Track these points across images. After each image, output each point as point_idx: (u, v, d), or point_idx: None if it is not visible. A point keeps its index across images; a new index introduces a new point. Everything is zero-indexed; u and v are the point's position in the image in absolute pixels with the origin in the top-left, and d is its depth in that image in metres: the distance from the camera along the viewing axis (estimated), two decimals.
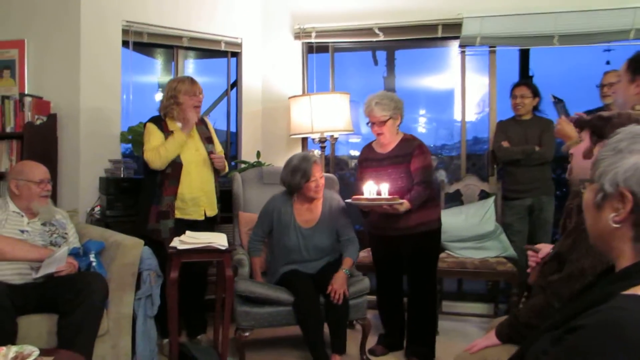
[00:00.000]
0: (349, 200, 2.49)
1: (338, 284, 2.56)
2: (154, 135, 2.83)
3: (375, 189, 2.44)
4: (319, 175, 2.73)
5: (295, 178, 2.72)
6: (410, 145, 2.59)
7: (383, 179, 2.58)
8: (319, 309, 2.51)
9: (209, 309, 3.04)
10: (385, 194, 2.43)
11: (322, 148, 3.69)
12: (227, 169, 3.03)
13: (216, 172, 2.92)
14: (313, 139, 3.69)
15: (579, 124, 1.56)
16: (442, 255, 3.17)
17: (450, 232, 3.27)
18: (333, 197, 2.83)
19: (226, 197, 3.16)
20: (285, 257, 2.75)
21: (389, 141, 2.65)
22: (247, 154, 3.87)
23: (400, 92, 4.19)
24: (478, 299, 3.85)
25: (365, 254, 3.35)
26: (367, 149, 2.72)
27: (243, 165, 3.63)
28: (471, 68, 3.87)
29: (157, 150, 2.79)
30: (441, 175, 4.67)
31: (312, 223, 2.77)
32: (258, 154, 3.67)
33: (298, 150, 3.95)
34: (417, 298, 2.65)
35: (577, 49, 3.65)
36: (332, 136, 3.70)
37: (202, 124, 2.97)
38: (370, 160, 2.67)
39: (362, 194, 2.59)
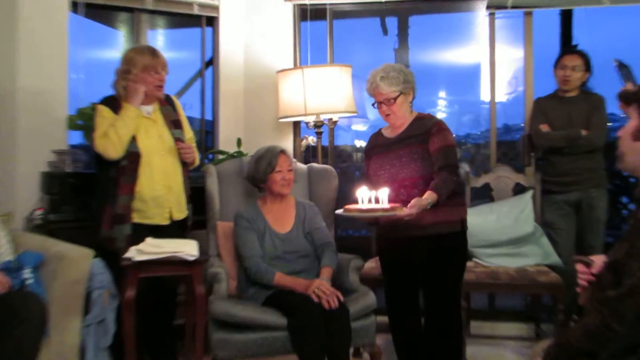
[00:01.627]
0: (339, 211, 2.47)
1: (321, 285, 2.61)
2: (105, 120, 2.71)
3: (370, 195, 2.41)
4: (286, 167, 2.81)
5: (259, 168, 2.81)
6: (426, 123, 2.58)
7: (394, 165, 2.58)
8: (322, 332, 2.49)
9: (179, 337, 2.93)
10: (384, 201, 2.40)
11: (318, 134, 3.60)
12: (197, 162, 2.95)
13: (185, 164, 2.87)
14: (307, 124, 3.61)
15: (625, 98, 1.56)
16: (468, 264, 3.09)
17: (478, 235, 3.17)
18: (307, 202, 2.96)
19: (199, 195, 3.06)
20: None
21: (401, 123, 2.62)
22: (225, 142, 3.79)
23: (415, 67, 4.06)
24: (514, 317, 3.78)
25: (372, 265, 3.25)
26: (375, 136, 2.73)
27: (220, 157, 3.55)
28: (502, 37, 3.78)
29: (107, 134, 2.67)
30: (465, 167, 4.56)
31: (288, 226, 2.85)
32: (239, 142, 3.58)
33: (288, 137, 3.87)
34: (438, 318, 2.60)
35: (632, 9, 3.51)
36: (330, 120, 3.63)
37: (167, 104, 2.92)
38: (378, 147, 2.67)
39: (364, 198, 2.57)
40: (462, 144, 4.84)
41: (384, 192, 2.40)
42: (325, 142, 3.88)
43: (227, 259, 2.92)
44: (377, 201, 2.40)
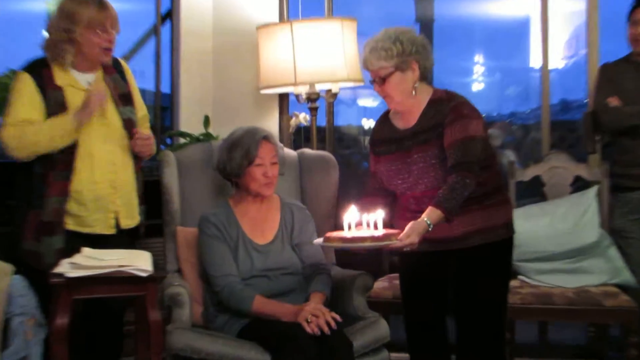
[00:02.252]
0: (317, 241, 2.60)
1: (315, 310, 2.63)
2: (24, 98, 2.73)
3: (358, 219, 2.50)
4: (269, 159, 2.84)
5: (233, 158, 2.83)
6: (441, 109, 2.62)
7: (411, 172, 2.63)
8: None
9: None
10: (378, 226, 2.48)
11: (313, 111, 3.61)
12: (154, 151, 3.00)
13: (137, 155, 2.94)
14: (297, 97, 3.67)
15: None
16: (513, 283, 3.13)
17: (524, 245, 3.20)
18: (296, 203, 3.03)
19: (154, 192, 3.10)
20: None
21: (408, 107, 2.66)
22: (188, 121, 3.83)
23: (442, 23, 4.10)
24: (573, 354, 3.82)
25: (384, 285, 3.28)
26: (382, 122, 2.80)
27: (182, 140, 3.61)
28: None
29: (23, 130, 2.69)
30: (509, 156, 4.62)
31: (269, 235, 2.91)
32: (206, 122, 3.64)
33: (272, 114, 3.91)
34: (473, 355, 2.65)
35: None
36: (328, 92, 3.64)
37: (115, 71, 2.96)
38: (386, 143, 2.73)
39: (375, 192, 2.63)
40: (508, 124, 4.92)
41: (378, 215, 2.48)
42: (321, 121, 3.91)
43: (191, 275, 2.96)
44: (374, 226, 2.47)
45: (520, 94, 5.50)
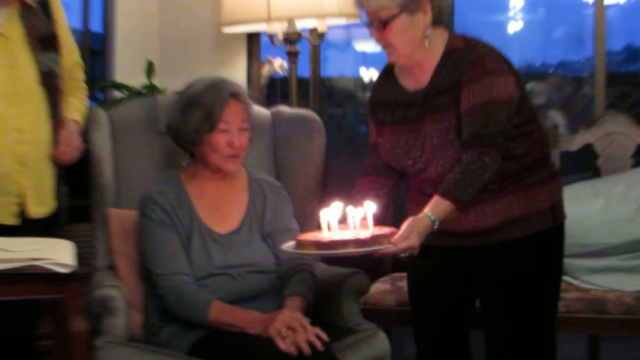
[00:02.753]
0: (287, 246, 2.58)
1: (292, 320, 2.62)
2: None
3: (341, 214, 2.50)
4: (238, 123, 2.85)
5: (189, 120, 2.83)
6: (459, 63, 2.61)
7: (424, 150, 2.63)
8: None
9: None
10: (369, 223, 2.48)
11: (292, 57, 3.62)
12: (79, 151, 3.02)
13: (57, 112, 2.96)
14: (271, 37, 3.67)
15: None
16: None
17: (571, 236, 3.06)
18: (268, 180, 3.05)
19: (79, 163, 3.09)
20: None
21: (416, 61, 2.63)
22: (125, 70, 3.85)
23: None
24: None
25: (384, 287, 3.30)
26: (385, 80, 2.80)
27: (118, 95, 3.62)
28: None
29: None
30: (554, 118, 4.59)
31: (233, 222, 2.93)
32: (150, 70, 3.65)
33: (238, 61, 3.92)
34: None
35: None
36: (313, 31, 3.65)
37: (36, 5, 2.95)
38: (391, 109, 2.73)
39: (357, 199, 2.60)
40: (551, 76, 4.90)
41: (369, 207, 2.48)
42: (304, 70, 3.88)
43: (128, 274, 2.97)
44: (363, 222, 2.46)
45: (572, 37, 5.48)
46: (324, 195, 3.16)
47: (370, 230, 2.45)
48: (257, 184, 2.96)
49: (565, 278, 3.24)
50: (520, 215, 2.60)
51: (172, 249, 2.79)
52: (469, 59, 2.57)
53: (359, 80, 4.73)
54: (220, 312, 2.68)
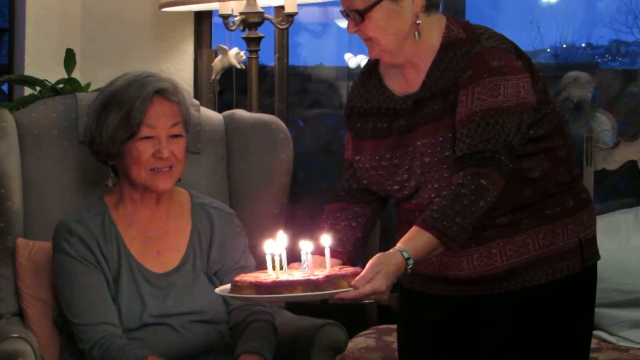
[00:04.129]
0: (220, 290, 2.62)
1: None
2: None
3: (284, 249, 2.53)
4: (166, 128, 2.91)
5: (104, 125, 2.91)
6: (458, 57, 2.64)
7: (411, 173, 2.66)
8: None
9: None
10: (327, 258, 2.51)
11: (252, 45, 3.74)
12: None
13: None
14: (225, 19, 3.76)
15: None
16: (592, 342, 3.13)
17: (607, 280, 3.30)
18: (216, 204, 3.12)
19: None
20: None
21: (405, 58, 2.68)
22: (38, 60, 3.92)
23: None
24: None
25: (367, 343, 3.41)
26: (366, 79, 2.83)
27: (28, 92, 3.69)
28: None
29: None
30: (602, 122, 4.71)
31: (174, 258, 3.03)
32: (69, 60, 3.72)
33: (183, 49, 4.05)
34: None
35: None
36: (279, 10, 3.81)
37: None
38: (372, 118, 2.76)
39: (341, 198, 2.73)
40: (591, 74, 5.01)
41: (326, 241, 2.50)
42: (268, 60, 4.02)
43: (41, 322, 3.08)
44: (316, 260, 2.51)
45: (625, 11, 5.50)
46: (292, 224, 3.24)
47: (327, 270, 2.45)
48: (202, 210, 3.05)
49: (597, 333, 3.34)
50: (538, 257, 2.62)
51: (95, 293, 2.87)
52: (470, 53, 2.60)
53: (343, 69, 4.78)
54: None
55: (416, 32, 2.61)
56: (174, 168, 2.91)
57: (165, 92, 2.90)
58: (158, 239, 3.01)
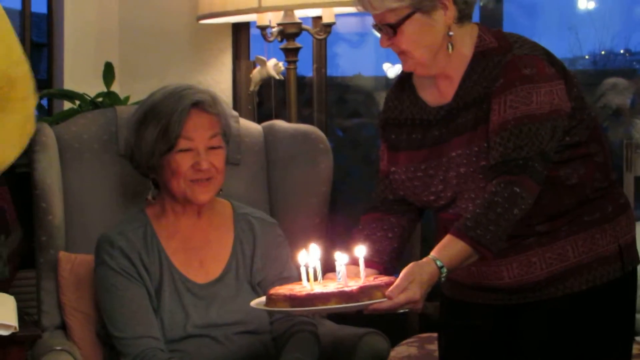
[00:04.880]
0: (257, 303, 2.60)
1: None
2: None
3: (318, 260, 2.52)
4: (204, 140, 2.92)
5: (143, 138, 2.94)
6: (492, 65, 2.63)
7: (447, 184, 2.66)
8: None
9: None
10: (361, 269, 2.51)
11: (290, 55, 3.77)
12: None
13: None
14: (263, 30, 3.77)
15: None
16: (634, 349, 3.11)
17: None
18: (260, 215, 3.14)
19: (21, 194, 3.25)
20: None
21: (439, 70, 2.68)
22: (77, 73, 3.94)
23: None
24: None
25: (410, 351, 3.41)
26: (400, 91, 2.83)
27: (67, 106, 3.71)
28: None
29: None
30: (637, 127, 4.68)
31: (216, 268, 3.04)
32: (108, 73, 3.74)
33: (221, 60, 4.05)
34: None
35: None
36: (316, 21, 3.80)
37: None
38: (407, 129, 2.77)
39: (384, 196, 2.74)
40: (630, 73, 5.00)
41: (360, 251, 2.49)
42: (306, 71, 4.04)
43: (83, 334, 3.10)
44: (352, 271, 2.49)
45: None
46: (332, 234, 3.26)
47: (361, 281, 2.45)
48: (244, 221, 3.05)
49: (639, 339, 3.32)
50: (578, 263, 2.62)
51: (137, 306, 2.89)
52: (502, 62, 2.59)
53: (381, 79, 4.81)
54: None
55: (449, 44, 2.61)
56: (214, 179, 2.92)
57: (203, 104, 2.91)
58: (200, 249, 3.01)
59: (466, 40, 2.65)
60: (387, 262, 2.64)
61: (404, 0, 2.53)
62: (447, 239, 2.47)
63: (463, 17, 2.61)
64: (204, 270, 3.00)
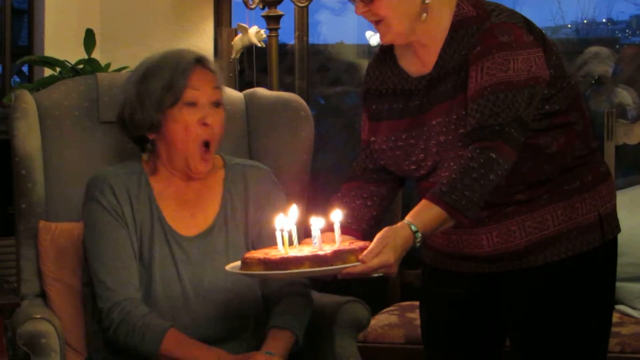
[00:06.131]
0: (231, 267, 2.61)
1: None
2: None
3: (294, 224, 2.53)
4: (209, 95, 2.93)
5: (145, 95, 2.91)
6: (470, 33, 2.62)
7: (427, 153, 2.65)
8: None
9: None
10: (336, 234, 2.51)
11: (272, 23, 3.78)
12: None
13: None
14: None
15: None
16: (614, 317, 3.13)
17: (628, 254, 3.34)
18: (255, 166, 3.14)
19: (2, 162, 3.29)
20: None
21: (417, 39, 2.66)
22: (57, 40, 3.94)
23: None
24: None
25: (391, 320, 3.42)
26: (381, 62, 2.82)
27: (48, 72, 3.69)
28: None
29: None
30: (622, 99, 4.70)
31: (205, 223, 3.01)
32: (89, 40, 3.74)
33: (203, 27, 4.07)
34: None
35: None
36: None
37: None
38: (389, 99, 2.77)
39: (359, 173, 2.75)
40: (612, 42, 5.00)
41: (335, 216, 2.50)
42: (288, 38, 4.11)
43: (64, 304, 3.08)
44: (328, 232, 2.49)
45: None
46: (312, 202, 3.26)
47: (336, 246, 2.45)
48: (235, 171, 3.05)
49: (619, 307, 3.37)
50: (557, 232, 2.63)
51: (122, 248, 2.88)
52: (479, 30, 2.57)
53: (363, 47, 4.76)
54: (176, 346, 2.76)
55: (424, 13, 2.58)
56: (217, 138, 2.92)
57: (205, 60, 2.91)
58: (191, 203, 2.99)
59: (444, 9, 2.62)
60: (366, 229, 2.64)
61: None
62: (422, 204, 2.46)
63: None
64: (193, 223, 2.97)
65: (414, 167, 2.65)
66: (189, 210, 2.98)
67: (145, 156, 3.01)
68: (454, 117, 2.56)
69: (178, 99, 2.85)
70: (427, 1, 2.56)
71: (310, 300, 2.97)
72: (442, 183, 2.47)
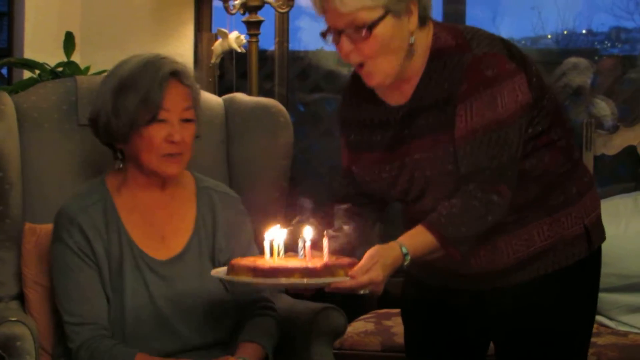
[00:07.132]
0: (217, 272, 2.63)
1: None
2: None
3: (285, 238, 2.54)
4: (179, 112, 2.87)
5: (122, 108, 2.85)
6: (450, 65, 2.58)
7: (412, 183, 2.64)
8: None
9: None
10: (324, 249, 2.50)
11: (252, 28, 3.75)
12: None
13: None
14: (225, 2, 3.78)
15: None
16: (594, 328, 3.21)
17: (607, 265, 3.10)
18: (221, 190, 3.11)
19: None
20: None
21: (402, 77, 2.60)
22: (37, 43, 3.94)
23: None
24: None
25: (367, 327, 3.42)
26: (357, 89, 2.73)
27: (27, 76, 3.69)
28: None
29: None
30: (600, 110, 4.74)
31: (177, 245, 2.99)
32: (69, 42, 3.74)
33: (183, 32, 4.07)
34: None
35: None
36: None
37: None
38: (367, 129, 2.73)
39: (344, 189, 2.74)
40: (591, 53, 5.01)
41: (323, 233, 2.51)
42: (268, 44, 4.02)
43: (41, 308, 3.08)
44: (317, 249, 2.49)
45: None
46: (291, 209, 3.12)
47: (325, 260, 2.44)
48: (206, 195, 3.01)
49: (597, 318, 3.34)
50: (544, 247, 2.63)
51: (89, 290, 2.86)
52: (461, 62, 2.53)
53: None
54: None
55: (412, 50, 2.55)
56: (185, 153, 2.88)
57: (180, 74, 2.86)
58: (162, 224, 2.97)
59: (422, 41, 2.59)
60: (348, 246, 2.61)
61: (378, 2, 2.45)
62: (418, 228, 2.48)
63: (424, 19, 2.56)
64: (165, 246, 2.96)
65: (400, 194, 2.66)
66: (159, 232, 2.96)
67: (117, 164, 2.97)
68: (440, 153, 2.55)
69: (153, 118, 2.82)
70: (412, 41, 2.53)
71: (278, 321, 3.00)
72: (442, 214, 2.48)
